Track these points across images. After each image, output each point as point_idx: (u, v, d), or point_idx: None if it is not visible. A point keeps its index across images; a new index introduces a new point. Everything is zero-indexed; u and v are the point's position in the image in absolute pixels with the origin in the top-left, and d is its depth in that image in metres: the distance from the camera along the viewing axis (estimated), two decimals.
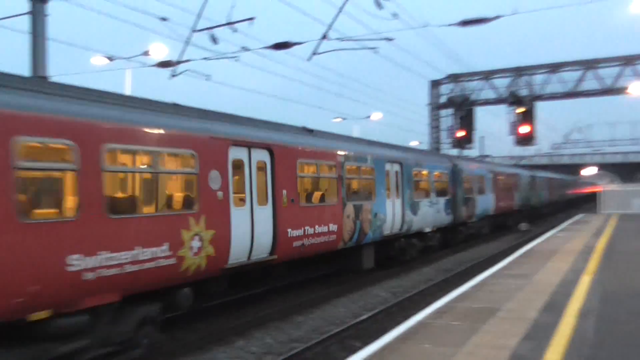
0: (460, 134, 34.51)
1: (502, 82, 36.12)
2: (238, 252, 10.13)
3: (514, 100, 32.69)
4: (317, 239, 12.63)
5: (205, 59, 17.89)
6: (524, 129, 30.68)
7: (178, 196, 9.40)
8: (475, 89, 36.66)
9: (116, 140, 7.82)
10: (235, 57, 17.32)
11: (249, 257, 10.48)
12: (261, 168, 11.06)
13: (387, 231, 16.42)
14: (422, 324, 8.27)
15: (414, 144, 54.63)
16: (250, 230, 10.49)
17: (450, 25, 17.56)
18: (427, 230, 19.59)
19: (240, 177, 10.39)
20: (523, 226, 33.45)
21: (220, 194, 9.70)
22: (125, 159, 8.37)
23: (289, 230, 11.56)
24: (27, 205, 7.00)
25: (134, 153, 8.37)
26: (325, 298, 14.03)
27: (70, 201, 7.41)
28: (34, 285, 6.68)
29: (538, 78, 35.23)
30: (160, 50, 23.20)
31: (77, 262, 7.17)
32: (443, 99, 37.21)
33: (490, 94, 36.26)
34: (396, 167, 17.19)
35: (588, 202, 72.70)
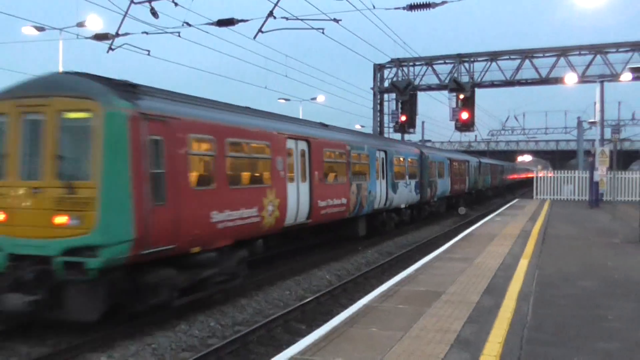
0: (403, 118, 34.97)
1: (444, 69, 36.73)
2: (290, 216, 13.98)
3: (455, 86, 33.29)
4: (334, 209, 16.63)
5: (144, 33, 17.24)
6: (465, 115, 31.40)
7: (261, 174, 13.05)
8: (418, 74, 37.14)
9: (231, 135, 11.69)
10: (176, 32, 16.81)
11: (295, 220, 14.33)
12: (302, 155, 14.93)
13: (376, 206, 20.29)
14: (369, 307, 8.33)
15: (357, 127, 54.63)
16: (297, 200, 14.37)
17: (396, 8, 17.61)
18: (402, 206, 23.54)
19: (290, 161, 14.29)
20: (461, 210, 34.50)
21: (282, 173, 13.62)
22: (234, 147, 11.93)
23: (319, 201, 15.55)
24: (193, 178, 10.53)
25: (238, 144, 12.07)
26: (269, 280, 14.01)
27: (211, 176, 11.09)
28: (196, 229, 10.37)
29: (478, 65, 36.08)
30: (96, 22, 22.09)
31: (215, 216, 10.93)
32: (387, 83, 37.49)
33: (432, 80, 36.79)
34: (382, 155, 21.16)
35: (524, 187, 75.11)
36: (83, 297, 8.86)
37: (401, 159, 23.36)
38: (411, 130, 35.70)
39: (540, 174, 38.53)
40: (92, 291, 8.88)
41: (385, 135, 35.59)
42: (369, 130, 39.72)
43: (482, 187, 44.22)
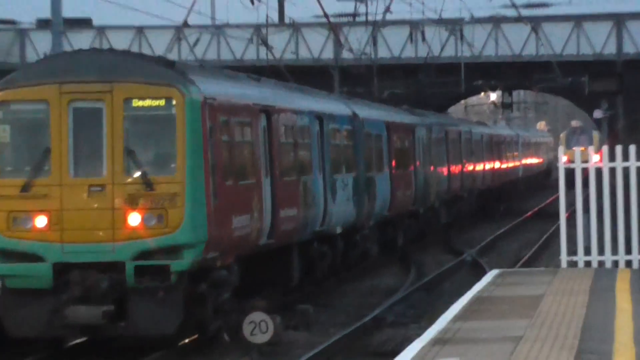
0: None
1: None
2: (263, 229, 11.23)
3: None
4: (290, 225, 12.32)
5: None
6: None
7: (250, 166, 11.16)
8: None
9: (239, 114, 10.65)
10: None
11: (263, 237, 11.45)
12: (264, 135, 11.62)
13: (317, 225, 13.52)
14: None
15: None
16: (264, 207, 11.47)
17: None
18: (338, 230, 14.79)
19: (257, 145, 11.60)
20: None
21: (259, 163, 11.40)
22: (241, 129, 10.75)
23: (280, 210, 11.80)
24: (225, 171, 10.12)
25: (247, 124, 10.99)
26: None
27: (243, 168, 10.62)
28: (226, 235, 9.69)
29: None
30: None
31: (234, 220, 10.10)
32: None
33: None
34: (317, 125, 14.08)
35: (514, 203, 36.54)
36: (158, 307, 8.36)
37: (336, 131, 15.17)
38: None
39: (568, 162, 11.47)
40: (169, 300, 8.39)
41: None
42: None
43: (434, 199, 22.43)
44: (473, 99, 42.39)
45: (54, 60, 9.29)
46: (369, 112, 17.70)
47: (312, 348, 9.08)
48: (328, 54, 29.24)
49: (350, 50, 26.69)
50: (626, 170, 10.39)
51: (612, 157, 10.47)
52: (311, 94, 15.25)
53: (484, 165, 30.94)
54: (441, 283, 15.15)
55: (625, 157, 10.33)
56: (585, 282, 9.27)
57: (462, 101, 39.19)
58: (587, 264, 10.59)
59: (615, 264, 10.50)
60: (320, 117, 14.03)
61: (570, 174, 10.56)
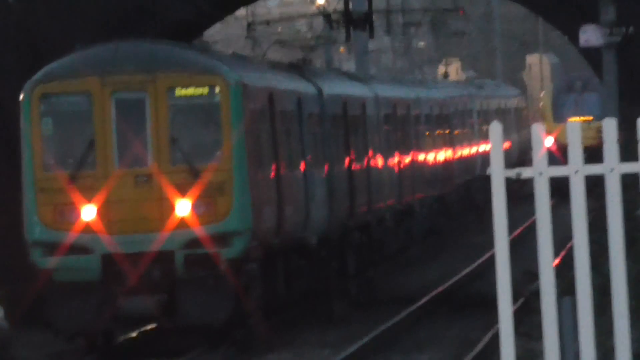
0: None
1: None
2: None
3: None
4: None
5: None
6: None
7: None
8: None
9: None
10: None
11: None
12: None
13: (299, 230, 11.96)
14: None
15: None
16: None
17: None
18: (314, 240, 12.54)
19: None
20: None
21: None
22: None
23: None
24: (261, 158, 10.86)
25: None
26: None
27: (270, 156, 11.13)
28: (265, 223, 10.29)
29: None
30: None
31: (265, 210, 10.57)
32: None
33: None
34: (294, 102, 12.53)
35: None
36: (208, 296, 8.62)
37: (311, 114, 13.46)
38: None
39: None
40: (220, 289, 8.59)
41: None
42: None
43: (385, 208, 17.24)
44: (271, 6, 22.80)
45: (94, 52, 9.53)
46: (330, 85, 15.04)
47: None
48: None
49: None
50: None
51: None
52: (280, 70, 13.61)
53: (435, 156, 21.17)
54: None
55: None
56: None
57: (244, 10, 20.49)
58: None
59: None
60: (299, 99, 12.64)
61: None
